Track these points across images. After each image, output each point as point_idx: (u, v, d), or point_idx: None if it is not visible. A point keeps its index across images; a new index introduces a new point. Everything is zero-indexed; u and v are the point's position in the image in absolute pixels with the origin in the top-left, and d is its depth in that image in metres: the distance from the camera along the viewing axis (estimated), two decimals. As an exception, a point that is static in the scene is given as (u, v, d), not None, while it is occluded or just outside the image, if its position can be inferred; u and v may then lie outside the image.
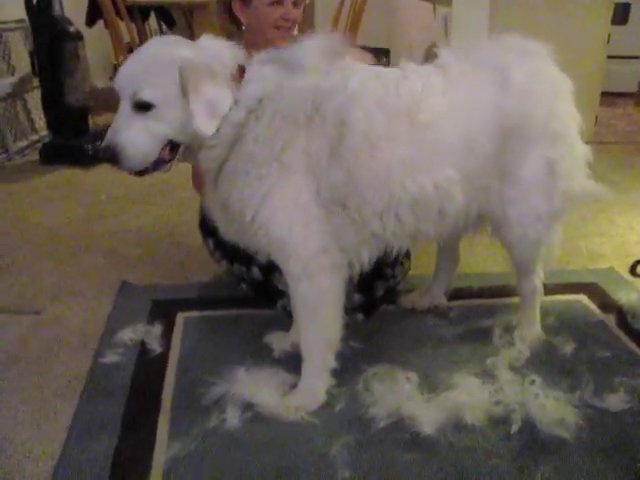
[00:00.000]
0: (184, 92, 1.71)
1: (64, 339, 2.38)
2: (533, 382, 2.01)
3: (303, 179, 1.82)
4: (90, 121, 4.55)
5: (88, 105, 4.43)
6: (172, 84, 1.71)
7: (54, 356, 2.28)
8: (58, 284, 2.79)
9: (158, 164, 1.80)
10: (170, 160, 1.82)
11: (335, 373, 2.03)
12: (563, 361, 2.20)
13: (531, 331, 2.31)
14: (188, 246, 3.07)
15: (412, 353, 2.25)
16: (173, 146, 1.81)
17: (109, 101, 1.77)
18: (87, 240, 3.21)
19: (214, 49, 1.84)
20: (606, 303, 2.57)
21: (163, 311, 2.53)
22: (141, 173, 1.80)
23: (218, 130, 1.78)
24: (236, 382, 2.04)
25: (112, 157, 1.72)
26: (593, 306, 2.56)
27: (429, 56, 4.46)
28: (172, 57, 1.75)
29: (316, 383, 2.00)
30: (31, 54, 4.42)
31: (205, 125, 1.73)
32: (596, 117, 4.56)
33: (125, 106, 1.73)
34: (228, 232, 2.02)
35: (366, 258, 1.97)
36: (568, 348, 2.25)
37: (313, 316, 1.97)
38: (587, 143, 2.14)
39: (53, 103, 4.26)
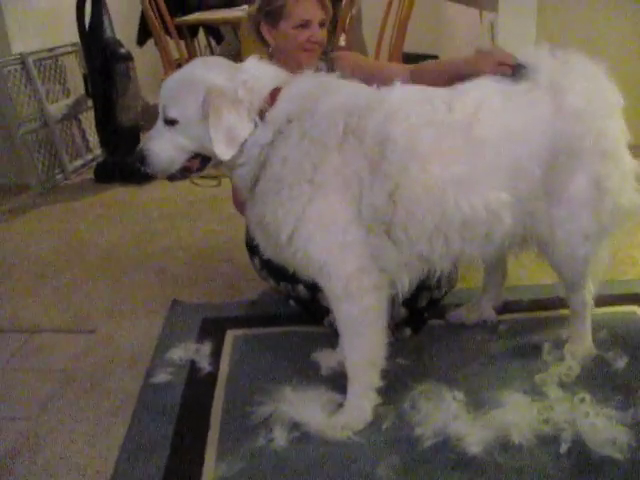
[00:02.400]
0: (205, 115, 1.83)
1: (117, 358, 2.45)
2: (583, 400, 1.97)
3: (341, 199, 1.82)
4: (141, 139, 4.65)
5: (139, 124, 4.54)
6: (196, 105, 1.85)
7: (107, 375, 2.35)
8: (111, 303, 2.87)
9: (185, 172, 1.96)
10: (199, 170, 1.98)
11: (381, 390, 2.02)
12: (615, 377, 2.15)
13: (582, 346, 2.26)
14: (237, 262, 3.11)
15: (460, 370, 2.23)
16: (204, 158, 1.94)
17: (160, 117, 1.95)
18: (139, 258, 3.29)
19: (253, 72, 1.92)
20: (661, 315, 2.51)
21: (213, 329, 2.58)
22: (170, 178, 1.98)
23: (245, 150, 1.88)
24: (283, 401, 2.05)
25: (141, 160, 1.92)
26: (648, 318, 2.50)
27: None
28: (201, 80, 1.88)
29: (362, 402, 2.00)
30: (84, 76, 4.55)
31: (222, 151, 1.85)
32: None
33: (159, 119, 1.91)
34: (267, 251, 2.05)
35: (407, 280, 1.96)
36: (621, 363, 2.19)
37: (356, 336, 1.97)
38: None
39: (106, 123, 4.39)
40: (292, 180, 1.83)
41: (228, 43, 6.27)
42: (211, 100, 1.82)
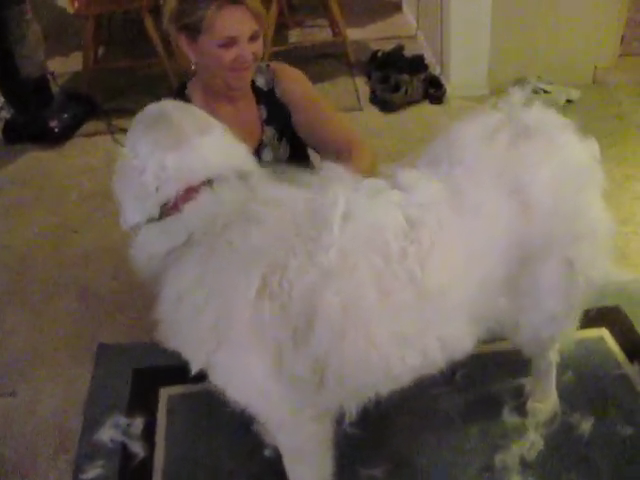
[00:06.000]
0: None
1: (40, 441, 2.20)
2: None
3: (255, 356, 1.46)
4: (53, 85, 4.07)
5: (47, 72, 3.96)
6: None
7: (28, 472, 2.11)
8: (30, 347, 2.57)
9: None
10: None
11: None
12: (579, 445, 1.99)
13: (546, 404, 2.09)
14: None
15: (415, 443, 2.05)
16: None
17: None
18: (58, 271, 2.93)
19: (193, 152, 1.51)
20: (631, 342, 2.32)
21: (144, 389, 2.33)
22: None
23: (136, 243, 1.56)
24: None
25: None
26: (616, 348, 2.31)
27: None
28: (136, 136, 1.54)
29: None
30: (-29, 25, 3.87)
31: (122, 216, 1.55)
32: (622, 37, 3.99)
33: None
34: None
35: (354, 408, 1.65)
36: (585, 426, 2.03)
37: (299, 463, 1.76)
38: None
39: (7, 77, 3.79)
40: (189, 324, 1.48)
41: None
42: (119, 163, 1.53)
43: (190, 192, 1.50)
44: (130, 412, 2.25)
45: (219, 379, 1.57)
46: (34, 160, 3.80)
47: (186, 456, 2.10)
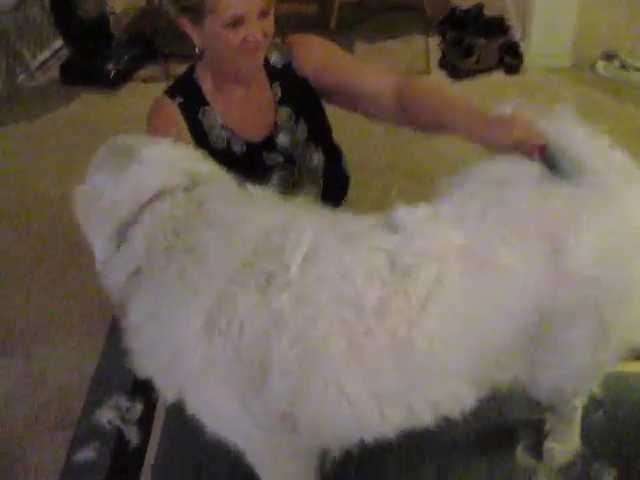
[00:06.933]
0: None
1: (44, 413, 2.21)
2: None
3: (217, 394, 1.32)
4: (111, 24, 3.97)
5: (107, 13, 3.85)
6: None
7: (27, 445, 2.12)
8: (49, 312, 2.56)
9: None
10: None
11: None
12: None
13: (565, 447, 1.89)
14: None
15: (414, 473, 1.91)
16: None
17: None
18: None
19: (143, 167, 1.38)
20: (676, 383, 2.07)
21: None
22: None
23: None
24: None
25: None
26: (660, 387, 2.07)
27: None
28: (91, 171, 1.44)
29: None
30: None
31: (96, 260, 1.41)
32: None
33: None
34: None
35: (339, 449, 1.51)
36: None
37: None
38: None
39: (65, 17, 3.72)
40: (150, 358, 1.36)
41: None
42: (78, 199, 1.42)
43: (140, 212, 1.36)
44: (132, 395, 2.21)
45: (192, 411, 1.46)
46: (88, 103, 3.76)
47: (176, 452, 2.04)
